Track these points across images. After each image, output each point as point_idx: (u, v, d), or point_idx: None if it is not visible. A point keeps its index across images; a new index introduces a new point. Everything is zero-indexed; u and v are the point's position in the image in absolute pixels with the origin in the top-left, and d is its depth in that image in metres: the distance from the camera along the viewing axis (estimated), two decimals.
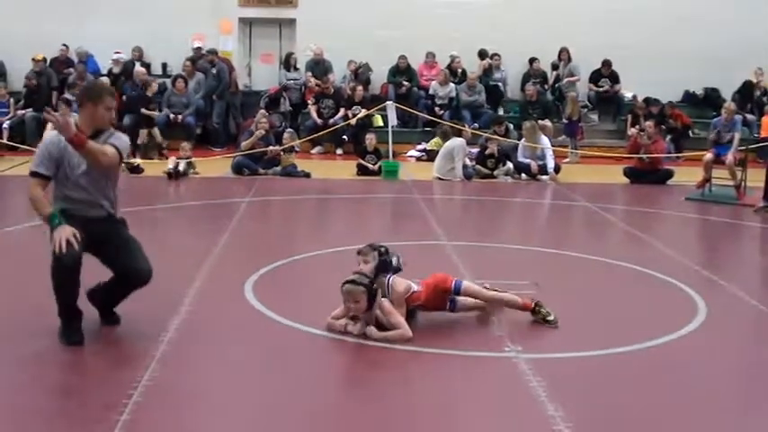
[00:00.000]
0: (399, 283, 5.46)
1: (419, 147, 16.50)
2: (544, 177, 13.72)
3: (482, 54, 18.30)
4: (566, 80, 18.09)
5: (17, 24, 17.01)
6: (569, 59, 18.19)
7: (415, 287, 5.50)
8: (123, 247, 5.19)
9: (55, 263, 4.84)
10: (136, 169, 13.17)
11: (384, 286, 5.39)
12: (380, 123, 16.51)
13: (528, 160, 13.91)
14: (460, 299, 5.59)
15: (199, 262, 7.03)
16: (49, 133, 5.16)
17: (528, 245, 8.51)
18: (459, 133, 14.64)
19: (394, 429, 4.09)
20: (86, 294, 5.24)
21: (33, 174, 5.08)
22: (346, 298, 5.18)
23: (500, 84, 18.09)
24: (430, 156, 15.44)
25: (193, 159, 13.45)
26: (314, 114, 16.66)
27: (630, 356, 5.13)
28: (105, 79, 16.55)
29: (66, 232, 4.78)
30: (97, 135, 5.05)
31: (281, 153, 13.67)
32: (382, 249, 5.56)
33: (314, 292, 6.10)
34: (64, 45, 17.51)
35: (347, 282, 5.20)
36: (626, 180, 13.72)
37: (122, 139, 5.17)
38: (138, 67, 16.77)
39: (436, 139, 16.06)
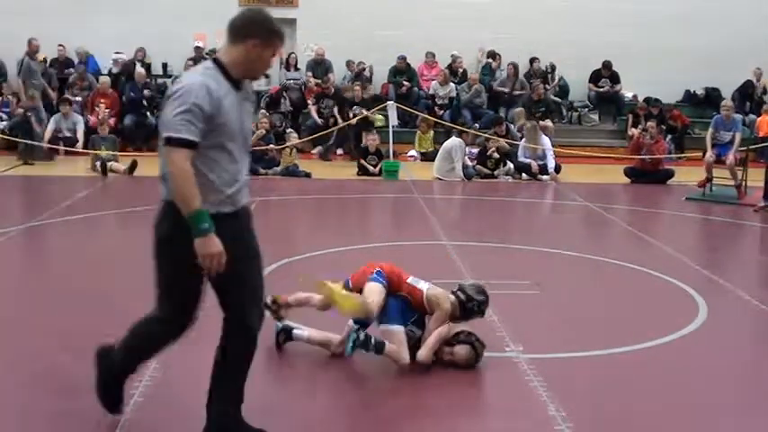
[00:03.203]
0: None
1: (413, 151, 16.40)
2: (545, 177, 13.73)
3: (492, 54, 18.31)
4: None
5: (17, 24, 16.99)
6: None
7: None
8: (247, 276, 3.70)
9: (244, 336, 3.67)
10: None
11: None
12: (380, 123, 16.50)
13: (528, 160, 13.92)
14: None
15: None
16: (192, 76, 3.58)
17: (528, 245, 8.51)
18: (458, 133, 14.64)
19: (395, 429, 4.09)
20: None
21: (176, 141, 3.38)
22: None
23: (499, 81, 18.04)
24: (430, 156, 15.42)
25: None
26: (314, 114, 16.65)
27: (631, 356, 5.13)
28: (106, 79, 16.54)
29: (220, 250, 3.42)
30: (240, 84, 3.60)
31: (280, 151, 13.68)
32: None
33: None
34: (61, 45, 17.48)
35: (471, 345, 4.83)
36: (626, 180, 13.73)
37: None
38: (139, 68, 16.76)
39: (418, 134, 16.18)
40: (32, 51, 14.89)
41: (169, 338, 3.83)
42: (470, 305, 4.90)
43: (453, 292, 4.95)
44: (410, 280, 4.94)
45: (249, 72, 3.62)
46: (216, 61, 3.57)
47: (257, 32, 3.53)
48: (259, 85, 17.31)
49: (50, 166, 13.92)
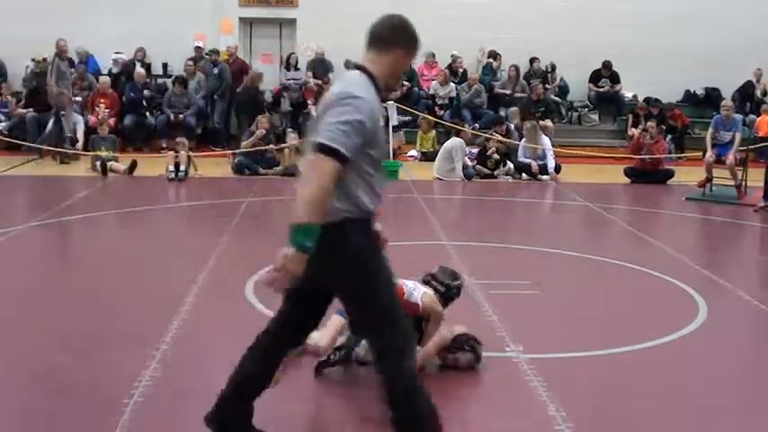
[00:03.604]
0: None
1: (414, 150, 16.39)
2: (545, 177, 13.72)
3: (492, 55, 18.31)
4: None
5: (17, 25, 16.99)
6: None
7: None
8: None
9: (404, 379, 3.41)
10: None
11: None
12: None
13: (528, 160, 13.92)
14: None
15: (199, 262, 7.02)
16: (359, 87, 3.31)
17: (528, 245, 8.51)
18: (457, 133, 14.64)
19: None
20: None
21: (329, 151, 3.15)
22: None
23: (498, 83, 18.04)
24: (431, 156, 15.41)
25: (192, 156, 13.33)
26: (314, 114, 16.58)
27: (631, 356, 5.13)
28: (106, 79, 16.53)
29: (299, 275, 3.25)
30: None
31: (280, 151, 13.68)
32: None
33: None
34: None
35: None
36: (626, 180, 13.72)
37: None
38: (139, 69, 16.76)
39: (420, 134, 16.15)
40: (61, 51, 14.84)
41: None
42: (450, 293, 4.93)
43: (429, 284, 4.89)
44: (405, 297, 4.74)
45: (392, 82, 3.47)
46: (366, 72, 3.36)
47: (402, 41, 3.41)
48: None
49: (50, 166, 13.91)
